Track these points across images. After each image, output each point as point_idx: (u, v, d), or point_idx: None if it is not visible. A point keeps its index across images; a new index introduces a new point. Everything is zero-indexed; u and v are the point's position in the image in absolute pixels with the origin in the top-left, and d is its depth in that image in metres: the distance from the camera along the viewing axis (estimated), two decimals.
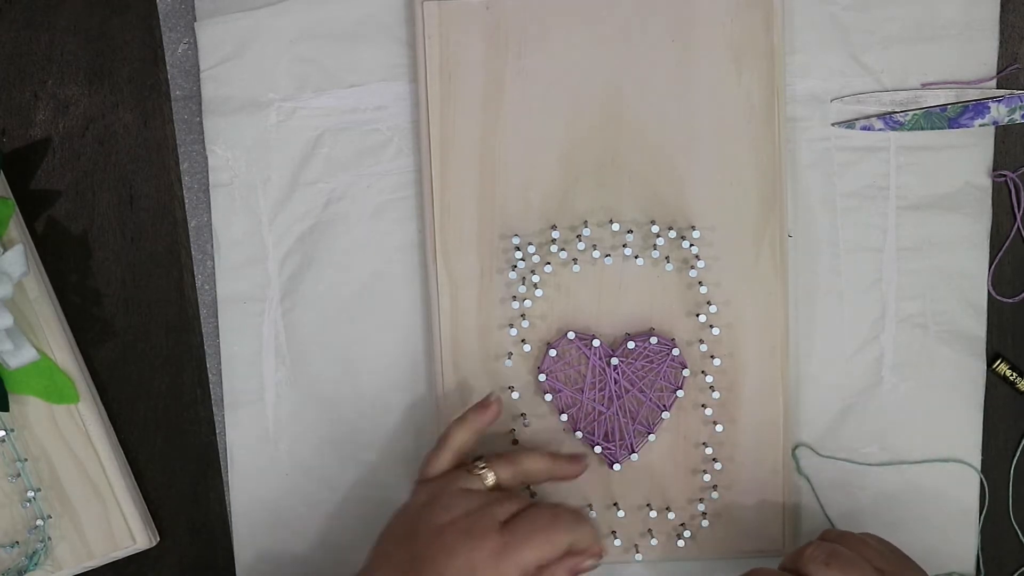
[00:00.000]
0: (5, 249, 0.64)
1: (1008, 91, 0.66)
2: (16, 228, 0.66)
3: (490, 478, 0.61)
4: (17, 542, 0.68)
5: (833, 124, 0.67)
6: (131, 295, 0.69)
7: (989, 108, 0.66)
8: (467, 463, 0.62)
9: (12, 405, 0.66)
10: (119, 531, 0.68)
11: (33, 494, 0.67)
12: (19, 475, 0.67)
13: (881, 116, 0.67)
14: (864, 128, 0.67)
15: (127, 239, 0.69)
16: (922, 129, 0.66)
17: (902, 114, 0.66)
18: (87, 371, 0.69)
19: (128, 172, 0.69)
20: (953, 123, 0.66)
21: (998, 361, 0.68)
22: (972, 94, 0.66)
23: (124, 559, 0.69)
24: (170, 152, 0.69)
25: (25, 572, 0.67)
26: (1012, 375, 0.68)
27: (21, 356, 0.65)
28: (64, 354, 0.67)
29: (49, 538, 0.68)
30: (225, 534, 0.70)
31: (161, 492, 0.70)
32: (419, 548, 0.58)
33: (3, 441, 0.67)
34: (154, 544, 0.70)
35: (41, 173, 0.69)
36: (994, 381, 0.68)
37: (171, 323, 0.69)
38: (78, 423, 0.67)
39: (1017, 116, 0.66)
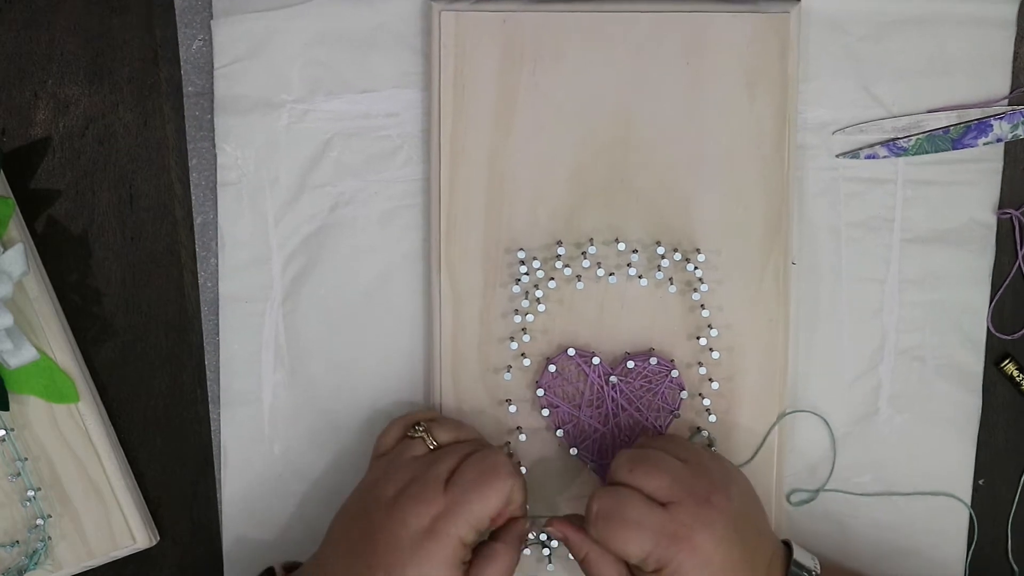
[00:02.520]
0: (5, 249, 0.64)
1: (1010, 107, 0.66)
2: (16, 228, 0.66)
3: (429, 439, 0.61)
4: (17, 541, 0.68)
5: (838, 155, 0.67)
6: (131, 295, 0.69)
7: (992, 126, 0.66)
8: (409, 431, 0.63)
9: (12, 404, 0.66)
10: (119, 531, 0.68)
11: (33, 493, 0.67)
12: (19, 475, 0.67)
13: (884, 143, 0.67)
14: (869, 157, 0.67)
15: (127, 239, 0.69)
16: (926, 153, 0.67)
17: (905, 139, 0.67)
18: (87, 371, 0.69)
19: (128, 172, 0.69)
20: (957, 144, 0.66)
21: (1007, 360, 0.68)
22: (974, 113, 0.66)
23: (124, 559, 0.69)
24: (170, 152, 0.69)
25: (25, 571, 0.67)
26: (1019, 376, 0.68)
27: (21, 356, 0.65)
28: (64, 354, 0.67)
29: (49, 537, 0.68)
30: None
31: (161, 492, 0.70)
32: (374, 522, 0.58)
33: (3, 441, 0.67)
34: (154, 544, 0.70)
35: (41, 173, 0.69)
36: (996, 379, 0.68)
37: (171, 323, 0.69)
38: (78, 423, 0.67)
39: (1020, 131, 0.66)
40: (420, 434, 0.62)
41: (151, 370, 0.70)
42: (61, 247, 0.69)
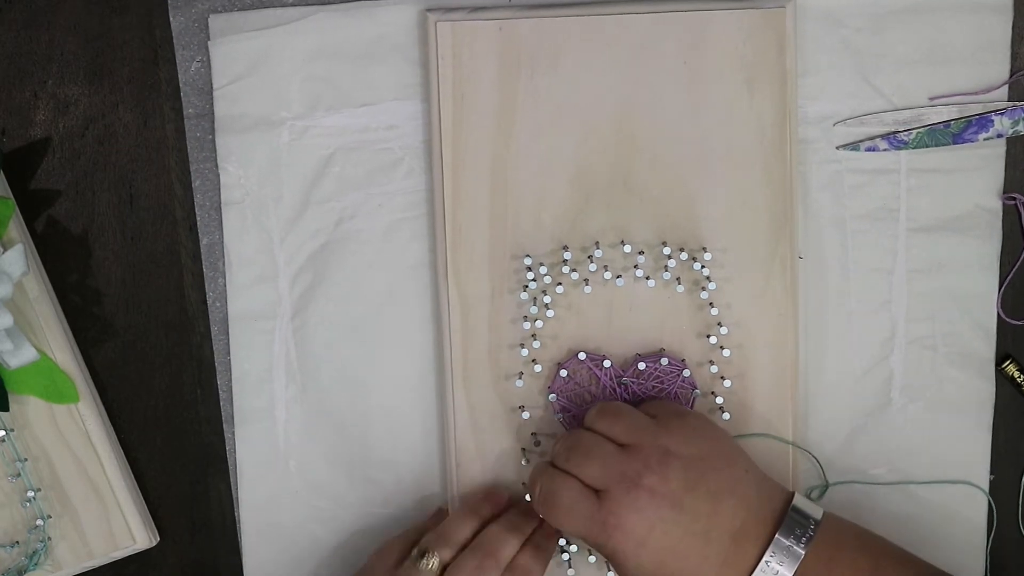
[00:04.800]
0: (5, 249, 0.64)
1: (1011, 103, 0.66)
2: (16, 228, 0.66)
3: (435, 564, 0.62)
4: (17, 542, 0.68)
5: (838, 147, 0.67)
6: (131, 295, 0.69)
7: (992, 121, 0.66)
8: (412, 554, 0.63)
9: (12, 405, 0.66)
10: (119, 531, 0.68)
11: (33, 494, 0.67)
12: (19, 475, 0.67)
13: (885, 136, 0.67)
14: (869, 149, 0.67)
15: (127, 239, 0.69)
16: (927, 147, 0.67)
17: (906, 133, 0.67)
18: (87, 371, 0.69)
19: (128, 172, 0.69)
20: (957, 139, 0.66)
21: (1007, 361, 0.68)
22: (975, 108, 0.66)
23: (124, 559, 0.69)
24: (170, 151, 0.69)
25: (25, 572, 0.67)
26: (1021, 377, 0.68)
27: (21, 356, 0.65)
28: (64, 354, 0.67)
29: (49, 538, 0.68)
30: (224, 534, 0.70)
31: (161, 492, 0.70)
32: None
33: (3, 441, 0.67)
34: (154, 544, 0.70)
35: (41, 173, 0.69)
36: (1000, 382, 0.68)
37: (171, 323, 0.69)
38: (78, 423, 0.68)
39: (1021, 127, 0.66)
40: (429, 568, 0.62)
41: (151, 370, 0.70)
42: (61, 247, 0.69)
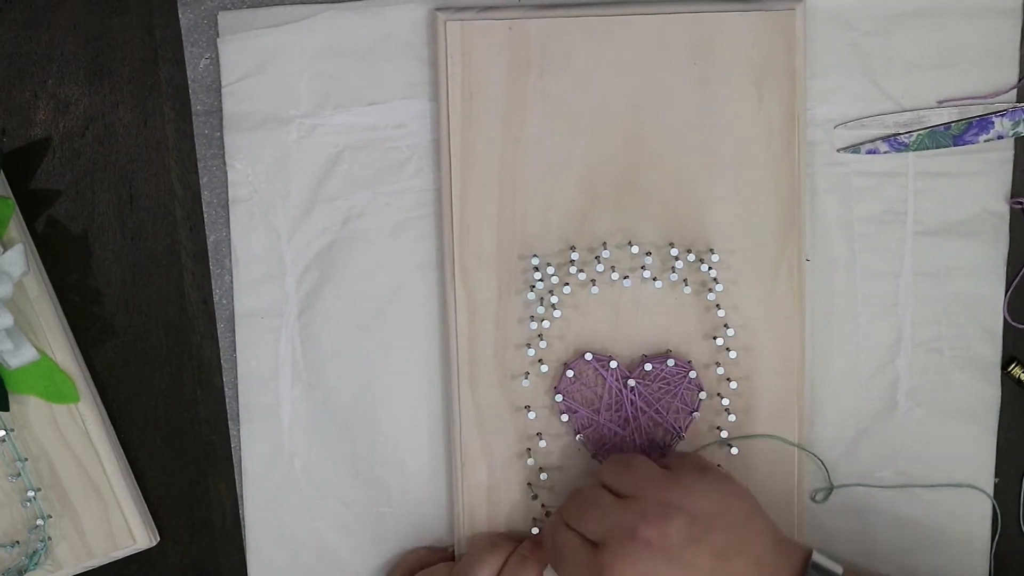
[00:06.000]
0: (5, 249, 0.64)
1: (1012, 104, 0.66)
2: (16, 228, 0.66)
3: None
4: (17, 542, 0.68)
5: (839, 150, 0.67)
6: (131, 295, 0.69)
7: (993, 123, 0.66)
8: None
9: (12, 405, 0.66)
10: (119, 531, 0.68)
11: (33, 494, 0.67)
12: (19, 475, 0.67)
13: (886, 138, 0.67)
14: (870, 152, 0.67)
15: (127, 239, 0.69)
16: (927, 149, 0.67)
17: (907, 135, 0.67)
18: (87, 371, 0.69)
19: (128, 172, 0.69)
20: (958, 140, 0.67)
21: (1014, 364, 0.68)
22: (976, 110, 0.66)
23: (124, 559, 0.69)
24: (170, 151, 0.68)
25: (25, 572, 0.67)
26: None
27: (21, 356, 0.65)
28: (64, 354, 0.67)
29: (49, 538, 0.68)
30: (225, 534, 0.70)
31: (161, 492, 0.70)
32: None
33: (3, 441, 0.67)
34: (154, 544, 0.70)
35: (41, 173, 0.68)
36: (1006, 384, 0.68)
37: (171, 323, 0.69)
38: (78, 423, 0.67)
39: (1022, 129, 0.66)
40: None
41: (151, 370, 0.70)
42: (61, 247, 0.69)
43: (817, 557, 0.58)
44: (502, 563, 0.64)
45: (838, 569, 0.58)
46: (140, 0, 0.68)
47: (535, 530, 0.66)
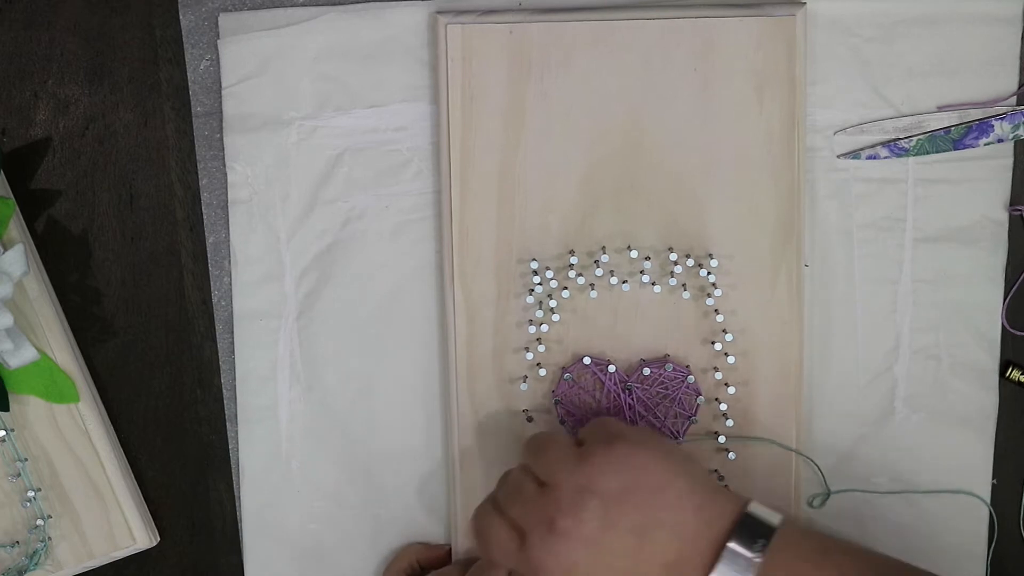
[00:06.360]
0: (5, 249, 0.64)
1: (1011, 108, 0.66)
2: (16, 228, 0.66)
3: None
4: (17, 542, 0.68)
5: (839, 156, 0.67)
6: (131, 295, 0.69)
7: (993, 126, 0.66)
8: None
9: (12, 405, 0.66)
10: (119, 531, 0.68)
11: (33, 494, 0.67)
12: (19, 475, 0.67)
13: (886, 143, 0.67)
14: (870, 157, 0.67)
15: (127, 239, 0.69)
16: (927, 153, 0.67)
17: (906, 140, 0.67)
18: (87, 371, 0.69)
19: (128, 172, 0.69)
20: (958, 144, 0.66)
21: (1011, 368, 0.68)
22: (975, 114, 0.66)
23: (124, 559, 0.70)
24: (170, 152, 0.69)
25: (25, 572, 0.67)
26: None
27: (21, 356, 0.65)
28: (64, 354, 0.67)
29: (49, 538, 0.68)
30: (225, 534, 0.70)
31: (161, 492, 0.71)
32: None
33: (3, 441, 0.67)
34: (154, 544, 0.70)
35: (41, 173, 0.69)
36: (1004, 387, 0.68)
37: (171, 323, 0.69)
38: (78, 423, 0.68)
39: (1021, 132, 0.66)
40: None
41: (151, 370, 0.70)
42: (61, 247, 0.69)
43: (754, 507, 0.55)
44: None
45: (774, 519, 0.55)
46: (140, 0, 0.68)
47: None
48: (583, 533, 0.55)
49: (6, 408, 0.66)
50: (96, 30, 0.68)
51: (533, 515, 0.56)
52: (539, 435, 0.60)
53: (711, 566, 0.54)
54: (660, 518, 0.55)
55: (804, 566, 0.54)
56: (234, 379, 0.69)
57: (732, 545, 0.54)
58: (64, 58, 0.68)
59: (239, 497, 0.70)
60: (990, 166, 0.67)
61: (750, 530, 0.54)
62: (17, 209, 0.67)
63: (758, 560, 0.53)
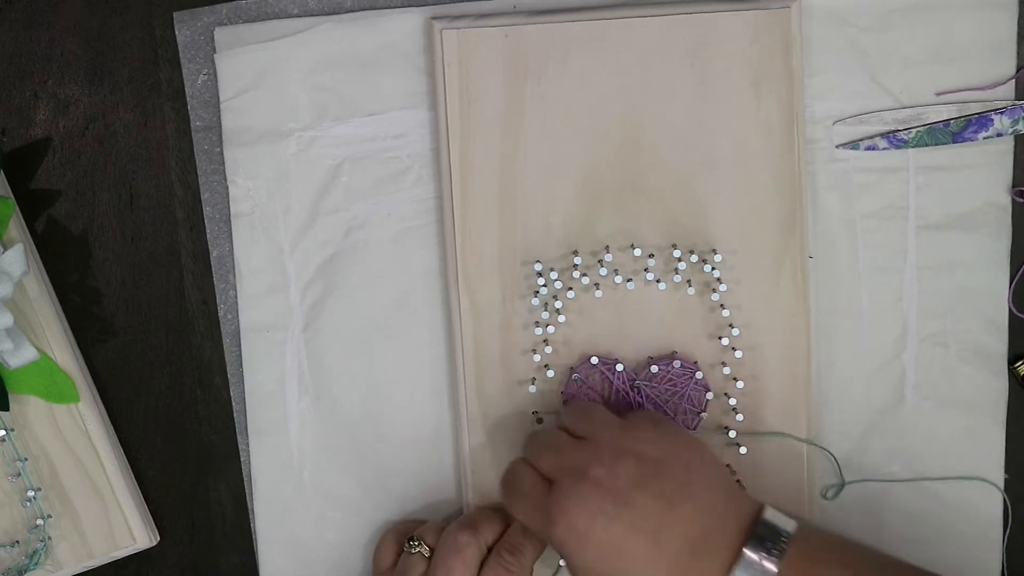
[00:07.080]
0: (5, 249, 0.65)
1: (1011, 102, 0.66)
2: (16, 228, 0.67)
3: (425, 550, 0.64)
4: (17, 541, 0.68)
5: (838, 146, 0.67)
6: (131, 295, 0.69)
7: (992, 120, 0.66)
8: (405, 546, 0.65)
9: (12, 405, 0.66)
10: (119, 531, 0.69)
11: (33, 494, 0.67)
12: (19, 475, 0.67)
13: (885, 135, 0.67)
14: (869, 148, 0.67)
15: (127, 239, 0.69)
16: (927, 145, 0.67)
17: (905, 132, 0.67)
18: (87, 371, 0.69)
19: (128, 172, 0.69)
20: (957, 137, 0.66)
21: (1020, 362, 0.68)
22: (976, 107, 0.66)
23: (124, 559, 0.70)
24: (170, 152, 0.69)
25: (25, 571, 0.68)
26: None
27: (21, 355, 0.65)
28: (64, 354, 0.67)
29: (49, 537, 0.68)
30: (225, 534, 0.71)
31: (161, 492, 0.71)
32: None
33: (3, 441, 0.67)
34: (154, 544, 0.70)
35: (41, 173, 0.69)
36: (1012, 380, 0.68)
37: (171, 323, 0.70)
38: (78, 423, 0.68)
39: (1021, 126, 0.66)
40: (417, 549, 0.64)
41: (151, 370, 0.70)
42: (61, 247, 0.69)
43: (769, 512, 0.57)
44: (503, 528, 0.64)
45: (789, 526, 0.56)
46: (140, 0, 0.68)
47: None
48: (615, 485, 0.56)
49: (6, 408, 0.66)
50: (96, 30, 0.68)
51: (567, 463, 0.58)
52: (582, 403, 0.62)
53: (738, 549, 0.55)
54: (691, 492, 0.56)
55: (828, 552, 0.56)
56: (243, 392, 0.69)
57: (748, 552, 0.55)
58: (64, 58, 0.68)
59: (252, 509, 0.70)
60: (991, 151, 0.67)
61: (770, 526, 0.56)
62: (17, 209, 0.67)
63: (774, 570, 0.54)
